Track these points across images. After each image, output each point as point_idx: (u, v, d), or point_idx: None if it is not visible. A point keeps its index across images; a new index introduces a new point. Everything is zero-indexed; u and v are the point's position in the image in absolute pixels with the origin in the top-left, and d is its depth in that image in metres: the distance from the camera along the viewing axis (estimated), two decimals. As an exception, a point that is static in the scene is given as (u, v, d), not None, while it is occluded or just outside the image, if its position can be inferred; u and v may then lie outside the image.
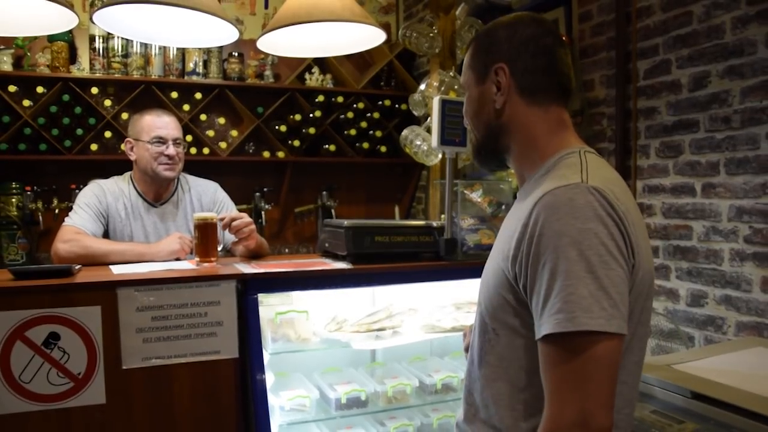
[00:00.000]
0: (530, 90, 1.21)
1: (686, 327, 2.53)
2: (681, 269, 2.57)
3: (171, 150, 2.45)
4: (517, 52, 1.21)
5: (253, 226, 2.31)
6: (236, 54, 4.12)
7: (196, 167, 2.89)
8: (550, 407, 1.01)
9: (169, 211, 2.55)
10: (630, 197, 1.14)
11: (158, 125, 2.46)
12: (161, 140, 2.44)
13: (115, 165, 2.64)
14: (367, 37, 2.34)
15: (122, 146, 2.56)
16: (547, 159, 1.19)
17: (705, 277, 2.47)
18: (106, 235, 2.44)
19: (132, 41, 3.83)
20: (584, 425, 0.96)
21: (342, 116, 4.34)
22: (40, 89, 3.63)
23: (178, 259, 2.29)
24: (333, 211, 4.39)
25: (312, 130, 4.23)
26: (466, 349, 1.40)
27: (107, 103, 3.80)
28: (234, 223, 2.24)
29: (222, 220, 2.22)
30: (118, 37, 3.81)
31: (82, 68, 3.82)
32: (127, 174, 2.58)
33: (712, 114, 2.44)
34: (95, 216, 2.40)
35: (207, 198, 2.61)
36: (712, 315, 2.44)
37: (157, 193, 2.53)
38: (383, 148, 4.48)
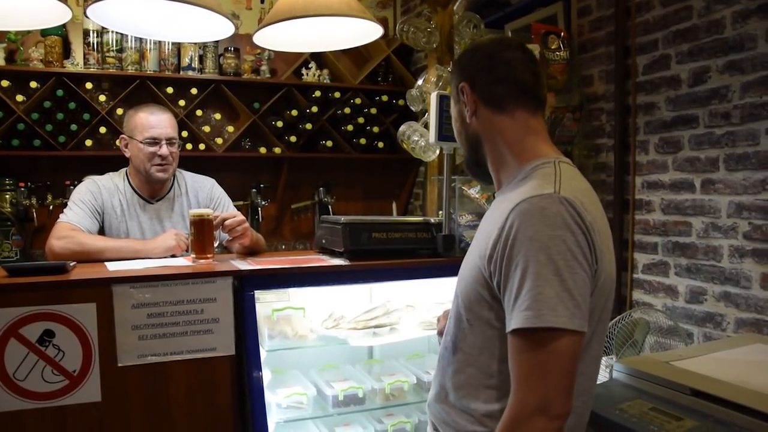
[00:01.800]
0: (493, 100, 1.32)
1: (685, 324, 2.52)
2: (680, 266, 2.57)
3: (164, 150, 2.41)
4: (476, 69, 1.34)
5: (246, 224, 2.29)
6: (232, 49, 4.09)
7: (191, 163, 2.87)
8: (516, 394, 1.13)
9: (165, 208, 2.53)
10: (598, 207, 1.25)
11: (151, 124, 2.42)
12: (154, 140, 2.41)
13: (110, 161, 2.61)
14: (365, 31, 2.32)
15: (117, 142, 2.53)
16: (524, 164, 1.29)
17: (704, 274, 2.46)
18: (101, 231, 2.42)
19: (127, 36, 3.79)
20: (545, 411, 1.09)
21: (339, 112, 4.31)
22: (33, 84, 3.60)
23: (173, 256, 2.27)
24: (330, 207, 4.38)
25: (309, 126, 4.21)
26: (440, 333, 1.50)
27: (102, 98, 3.77)
28: (226, 223, 2.22)
29: (215, 219, 2.20)
30: (112, 32, 3.76)
31: (76, 63, 3.78)
32: (123, 170, 2.55)
33: (712, 109, 2.42)
34: (90, 212, 2.38)
35: (203, 194, 2.59)
36: (711, 312, 2.43)
37: (153, 189, 2.51)
38: (380, 144, 4.46)
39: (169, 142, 2.44)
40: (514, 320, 1.12)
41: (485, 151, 1.36)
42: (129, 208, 2.47)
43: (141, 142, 2.41)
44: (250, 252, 2.38)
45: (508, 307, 1.15)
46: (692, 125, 2.51)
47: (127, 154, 2.49)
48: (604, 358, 2.27)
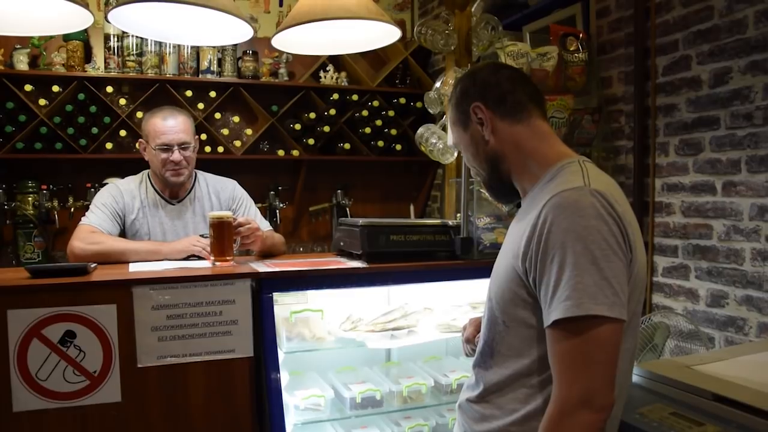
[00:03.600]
0: (509, 113, 1.36)
1: (706, 328, 2.49)
2: (701, 269, 2.54)
3: (176, 156, 2.42)
4: (483, 88, 1.38)
5: (260, 233, 2.30)
6: (251, 52, 4.12)
7: (210, 166, 2.89)
8: (559, 387, 1.14)
9: (186, 209, 2.55)
10: (626, 200, 1.27)
11: (163, 130, 2.43)
12: (166, 147, 2.43)
13: (130, 164, 2.64)
14: (382, 34, 2.32)
15: (137, 145, 2.56)
16: (548, 168, 1.32)
17: (725, 277, 2.43)
18: (123, 234, 2.45)
19: (146, 40, 3.84)
20: (589, 403, 1.10)
21: (357, 114, 4.32)
22: (55, 88, 3.65)
23: (190, 257, 2.30)
24: (348, 209, 4.39)
25: (327, 129, 4.23)
26: (467, 341, 1.59)
27: (122, 101, 3.81)
28: (239, 229, 2.23)
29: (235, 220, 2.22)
30: (132, 36, 3.81)
31: (97, 67, 3.83)
32: (145, 172, 2.59)
33: (734, 111, 2.39)
34: (112, 216, 2.41)
35: (225, 195, 2.61)
36: (733, 316, 2.40)
37: (173, 191, 2.54)
38: (398, 147, 4.46)
39: (182, 147, 2.44)
40: (553, 312, 1.14)
41: (507, 165, 1.38)
42: (151, 210, 2.50)
43: (154, 149, 2.44)
44: (267, 255, 2.39)
45: (545, 300, 1.17)
46: (713, 127, 2.48)
47: (146, 158, 2.52)
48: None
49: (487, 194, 2.25)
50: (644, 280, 1.27)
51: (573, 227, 1.14)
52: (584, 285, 1.10)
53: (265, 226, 2.56)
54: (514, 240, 1.30)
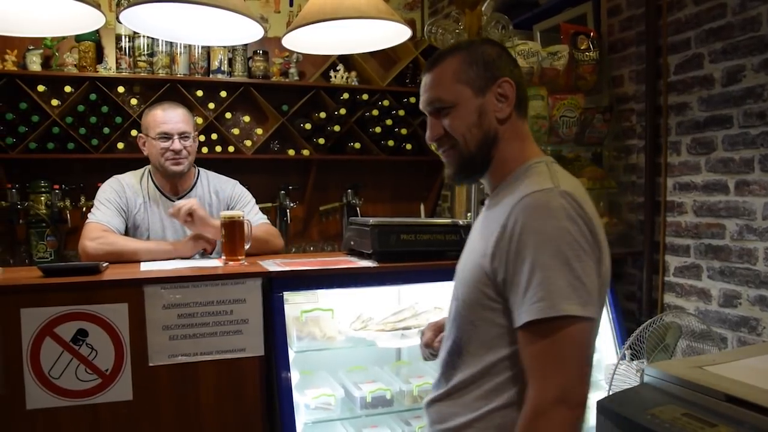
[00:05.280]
0: (521, 103, 1.35)
1: (718, 328, 2.47)
2: (713, 269, 2.52)
3: (176, 145, 2.44)
4: (511, 70, 1.34)
5: (201, 213, 2.26)
6: (261, 52, 4.12)
7: (221, 165, 2.90)
8: (534, 387, 1.15)
9: None
10: (590, 200, 1.27)
11: (163, 120, 2.45)
12: (166, 135, 2.44)
13: (141, 163, 2.65)
14: (393, 34, 2.32)
15: (137, 140, 2.58)
16: (517, 167, 1.32)
17: (738, 277, 2.41)
18: (126, 229, 2.46)
19: (157, 40, 3.85)
20: (565, 400, 1.11)
21: (367, 114, 4.32)
22: (68, 89, 3.67)
23: (205, 251, 2.31)
24: (358, 209, 4.38)
25: (337, 128, 4.22)
26: (426, 345, 1.59)
27: (133, 101, 3.83)
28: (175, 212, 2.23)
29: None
30: (143, 37, 3.83)
31: (108, 67, 3.85)
32: (147, 167, 2.60)
33: (747, 109, 2.37)
34: (117, 211, 2.43)
35: (225, 194, 2.62)
36: (746, 316, 2.38)
37: (174, 186, 2.55)
38: (408, 146, 4.45)
39: (182, 136, 2.46)
40: (525, 313, 1.14)
41: (495, 151, 1.33)
42: (152, 206, 2.51)
43: (154, 138, 2.45)
44: (261, 250, 2.40)
45: (516, 301, 1.17)
46: (726, 125, 2.46)
47: (146, 152, 2.53)
48: (635, 362, 2.23)
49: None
50: (609, 277, 1.28)
51: (544, 228, 1.15)
52: (557, 286, 1.11)
53: (258, 219, 2.58)
54: (480, 239, 1.30)
